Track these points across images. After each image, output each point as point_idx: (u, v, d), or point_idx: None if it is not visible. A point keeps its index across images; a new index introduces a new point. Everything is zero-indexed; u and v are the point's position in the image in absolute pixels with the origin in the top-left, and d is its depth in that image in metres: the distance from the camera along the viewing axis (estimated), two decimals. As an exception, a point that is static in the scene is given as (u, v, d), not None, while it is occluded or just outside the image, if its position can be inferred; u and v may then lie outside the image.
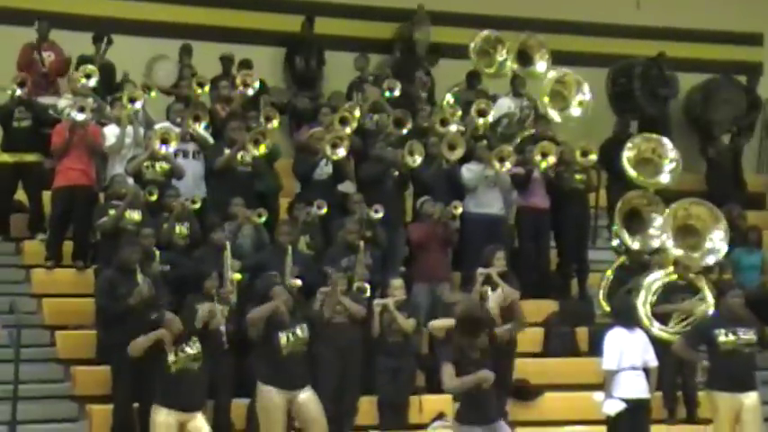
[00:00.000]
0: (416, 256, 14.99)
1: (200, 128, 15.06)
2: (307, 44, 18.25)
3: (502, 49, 17.47)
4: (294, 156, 15.83)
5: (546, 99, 16.58)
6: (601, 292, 15.01)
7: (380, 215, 14.61)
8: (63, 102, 15.13)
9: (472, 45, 17.43)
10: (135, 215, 13.63)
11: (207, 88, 15.88)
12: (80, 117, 14.20)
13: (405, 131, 15.72)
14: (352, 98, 17.30)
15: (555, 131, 16.87)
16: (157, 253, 13.29)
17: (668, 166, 15.62)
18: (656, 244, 14.65)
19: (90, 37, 16.45)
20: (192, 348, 11.10)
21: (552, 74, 16.94)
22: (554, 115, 16.71)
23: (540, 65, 17.13)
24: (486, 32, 17.53)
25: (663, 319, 13.67)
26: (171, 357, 10.99)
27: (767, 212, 19.43)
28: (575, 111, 16.86)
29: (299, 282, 13.39)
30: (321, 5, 18.62)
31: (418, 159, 15.08)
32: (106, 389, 12.75)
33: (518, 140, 16.71)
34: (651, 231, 14.76)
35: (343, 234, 14.31)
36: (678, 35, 20.03)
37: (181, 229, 13.77)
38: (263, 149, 14.61)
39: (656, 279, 13.96)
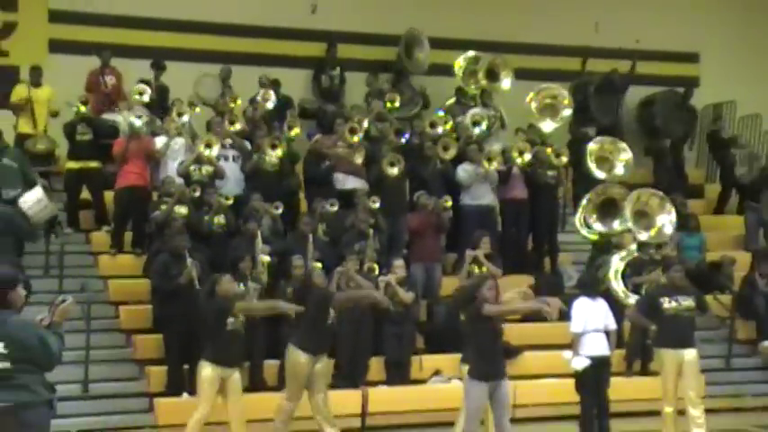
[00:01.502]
0: (413, 241, 15.20)
1: (237, 130, 15.41)
2: (330, 65, 18.30)
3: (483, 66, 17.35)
4: (305, 157, 15.96)
5: (536, 110, 16.50)
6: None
7: (377, 205, 14.82)
8: (120, 117, 15.53)
9: (460, 66, 17.39)
10: (182, 209, 13.96)
11: (239, 102, 16.21)
12: (138, 123, 14.74)
13: (403, 140, 15.91)
14: (369, 105, 17.47)
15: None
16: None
17: (622, 163, 15.66)
18: (618, 227, 14.57)
19: (145, 63, 16.55)
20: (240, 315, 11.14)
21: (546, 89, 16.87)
22: (546, 126, 16.65)
23: (506, 82, 17.17)
24: (471, 53, 17.45)
25: (636, 288, 13.68)
26: (230, 320, 10.97)
27: (705, 201, 19.59)
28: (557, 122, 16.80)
29: (319, 264, 13.54)
30: (341, 34, 18.62)
31: (396, 171, 15.20)
32: (161, 353, 13.09)
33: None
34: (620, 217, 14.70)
35: (355, 223, 14.48)
36: (629, 54, 19.95)
37: (219, 220, 14.01)
38: (279, 152, 14.85)
39: (621, 257, 13.96)
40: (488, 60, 17.17)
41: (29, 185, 13.52)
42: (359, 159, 15.30)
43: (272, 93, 16.33)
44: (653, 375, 13.54)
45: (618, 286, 13.43)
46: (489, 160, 15.61)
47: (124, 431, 12.52)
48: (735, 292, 15.75)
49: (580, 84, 19.06)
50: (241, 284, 12.83)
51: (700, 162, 20.62)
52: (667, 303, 11.68)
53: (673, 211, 14.00)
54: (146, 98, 15.30)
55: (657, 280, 13.37)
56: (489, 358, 9.89)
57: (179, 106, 15.44)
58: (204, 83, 16.68)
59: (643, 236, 13.71)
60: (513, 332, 14.05)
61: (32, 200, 13.10)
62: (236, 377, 11.08)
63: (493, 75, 17.15)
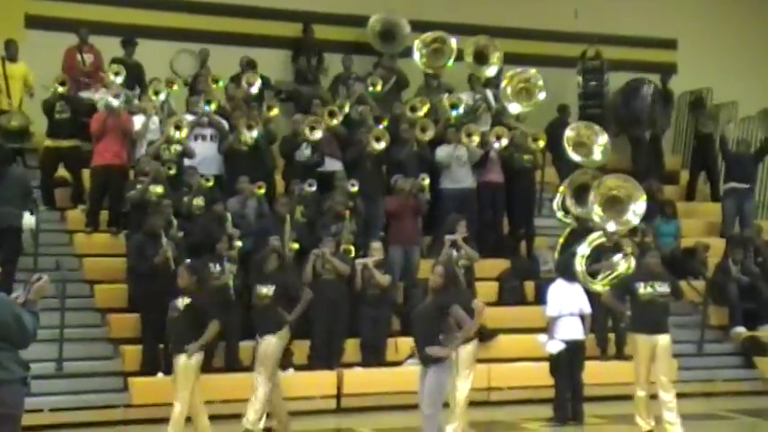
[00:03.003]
0: (391, 224, 15.17)
1: (212, 110, 15.26)
2: (308, 47, 18.21)
3: (449, 47, 17.28)
4: (286, 138, 15.74)
5: (510, 93, 16.50)
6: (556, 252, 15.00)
7: (356, 188, 14.79)
8: (98, 95, 15.34)
9: (418, 45, 17.18)
10: (158, 188, 13.82)
11: (221, 84, 16.09)
12: (115, 103, 14.53)
13: (383, 126, 15.79)
14: (337, 90, 17.37)
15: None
16: (175, 221, 13.44)
17: (599, 148, 15.67)
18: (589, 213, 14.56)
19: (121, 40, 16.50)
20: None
21: (518, 73, 16.85)
22: (515, 108, 16.63)
23: (491, 69, 17.14)
24: (431, 33, 17.24)
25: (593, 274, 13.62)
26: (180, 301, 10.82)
27: (681, 187, 19.63)
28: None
29: (296, 245, 13.63)
30: (319, 15, 18.55)
31: (383, 144, 15.15)
32: (136, 332, 13.09)
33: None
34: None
35: (332, 205, 14.46)
36: (608, 40, 19.99)
37: (198, 201, 13.92)
38: (255, 133, 14.78)
39: (590, 242, 13.95)
40: (478, 43, 17.19)
41: None
42: (315, 137, 15.06)
43: (258, 77, 16.22)
44: (627, 360, 13.62)
45: (581, 270, 13.37)
46: (469, 135, 15.60)
47: (98, 410, 12.44)
48: (708, 278, 15.88)
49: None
50: (217, 265, 12.92)
51: (676, 149, 20.69)
52: (643, 289, 11.68)
53: (644, 198, 14.08)
54: (120, 79, 15.05)
55: (611, 266, 13.45)
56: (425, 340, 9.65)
57: (155, 85, 15.29)
58: (181, 59, 16.55)
59: (611, 223, 13.78)
60: (489, 315, 14.00)
61: None
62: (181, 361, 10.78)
63: (482, 57, 17.17)
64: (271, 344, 11.47)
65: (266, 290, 11.77)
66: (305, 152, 15.14)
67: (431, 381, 9.42)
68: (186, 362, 10.46)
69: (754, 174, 18.51)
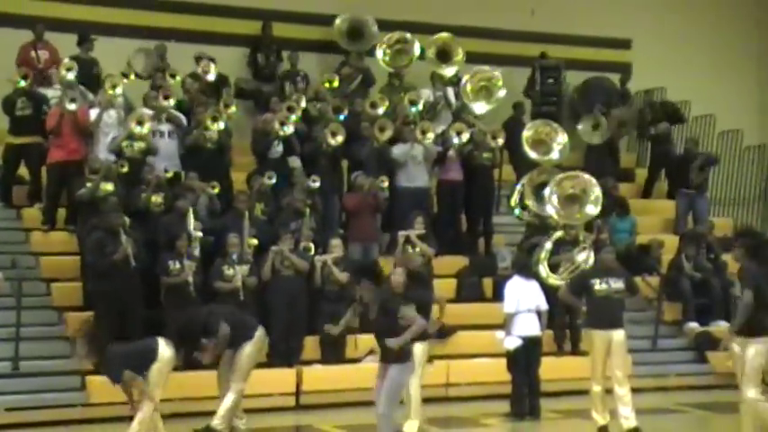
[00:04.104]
0: (351, 221, 15.20)
1: (171, 105, 15.09)
2: (266, 44, 18.12)
3: (413, 47, 17.34)
4: (252, 137, 15.70)
5: (470, 92, 16.56)
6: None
7: (318, 185, 14.78)
8: (52, 92, 15.18)
9: (382, 44, 17.38)
10: (108, 186, 13.64)
11: (178, 79, 15.94)
12: (72, 107, 14.29)
13: (342, 117, 15.80)
14: (283, 86, 17.31)
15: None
16: (127, 220, 13.21)
17: (558, 147, 15.72)
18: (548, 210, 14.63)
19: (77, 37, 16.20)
20: None
21: (478, 72, 16.91)
22: (479, 108, 16.69)
23: (449, 69, 17.19)
24: (395, 33, 17.40)
25: (553, 268, 13.80)
26: None
27: (638, 185, 19.74)
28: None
29: (254, 241, 13.62)
30: (278, 13, 18.40)
31: (340, 139, 15.13)
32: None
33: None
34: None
35: (291, 202, 14.44)
36: (565, 40, 20.15)
37: (156, 198, 13.79)
38: (222, 125, 14.72)
39: (553, 237, 14.05)
40: (442, 39, 17.25)
41: None
42: (285, 132, 15.04)
43: (212, 65, 16.01)
44: (582, 355, 13.56)
45: (543, 267, 13.54)
46: (423, 133, 15.57)
47: (55, 409, 12.31)
48: (662, 274, 15.96)
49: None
50: (177, 262, 12.86)
51: (630, 147, 20.76)
52: (598, 285, 11.63)
53: (599, 196, 14.14)
54: (71, 75, 14.71)
55: (571, 259, 13.50)
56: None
57: (111, 79, 14.90)
58: (138, 57, 16.39)
59: (565, 219, 13.92)
60: (447, 312, 14.05)
61: None
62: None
63: (443, 55, 17.22)
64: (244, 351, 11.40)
65: None
66: (277, 149, 15.11)
67: (391, 378, 9.34)
68: (169, 357, 10.48)
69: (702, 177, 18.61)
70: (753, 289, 10.04)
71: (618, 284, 11.71)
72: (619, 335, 11.62)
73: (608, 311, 11.67)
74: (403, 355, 9.36)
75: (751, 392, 9.99)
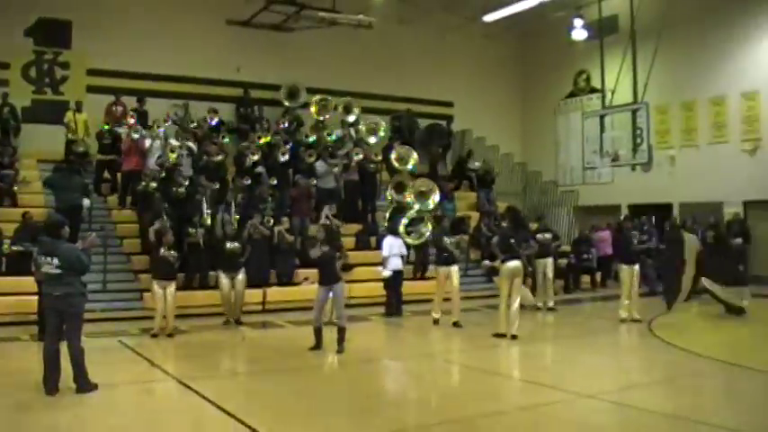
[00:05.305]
0: (294, 205, 15.13)
1: (191, 142, 15.08)
2: (246, 102, 18.09)
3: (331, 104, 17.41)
4: (234, 156, 15.61)
5: (364, 130, 16.75)
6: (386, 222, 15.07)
7: (275, 183, 14.82)
8: (122, 130, 15.00)
9: (312, 101, 17.21)
10: (153, 184, 13.64)
11: (196, 123, 15.95)
12: (135, 136, 14.37)
13: (288, 145, 15.82)
14: (254, 127, 17.21)
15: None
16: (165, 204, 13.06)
17: (412, 161, 15.96)
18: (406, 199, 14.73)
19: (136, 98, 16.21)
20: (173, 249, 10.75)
21: (369, 122, 16.94)
22: (371, 140, 16.82)
23: (351, 117, 17.36)
24: (319, 96, 17.36)
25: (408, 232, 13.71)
26: (162, 250, 10.57)
27: (454, 184, 19.74)
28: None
29: (237, 217, 13.55)
30: (252, 83, 18.29)
31: (287, 157, 15.27)
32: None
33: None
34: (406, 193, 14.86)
35: (260, 193, 14.45)
36: (418, 101, 20.37)
37: (180, 191, 13.67)
38: (222, 157, 14.76)
39: (408, 215, 14.10)
40: (346, 100, 17.39)
41: None
42: (252, 158, 15.03)
43: (216, 116, 16.24)
44: (428, 280, 14.12)
45: (403, 229, 13.27)
46: (335, 162, 15.77)
47: (122, 311, 12.09)
48: (470, 234, 16.01)
49: (393, 119, 19.40)
50: (194, 230, 12.84)
51: (451, 162, 20.87)
52: (446, 239, 11.80)
53: (438, 191, 14.39)
54: (133, 121, 14.78)
55: (419, 229, 13.60)
56: (327, 272, 9.48)
57: (156, 122, 15.00)
58: (172, 110, 16.28)
59: (420, 205, 14.07)
60: (352, 256, 14.28)
61: None
62: (171, 289, 10.53)
63: (348, 109, 17.32)
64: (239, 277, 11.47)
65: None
66: (248, 161, 15.10)
67: (339, 293, 9.38)
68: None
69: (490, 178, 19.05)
70: (499, 237, 10.52)
71: (453, 240, 11.82)
72: (455, 267, 11.74)
73: (449, 255, 11.75)
74: (341, 278, 9.50)
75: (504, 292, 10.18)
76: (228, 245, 11.62)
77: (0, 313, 11.13)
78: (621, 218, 15.46)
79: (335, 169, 15.78)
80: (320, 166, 15.78)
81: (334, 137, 16.71)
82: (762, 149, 17.14)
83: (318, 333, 9.38)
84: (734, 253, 14.65)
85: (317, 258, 9.49)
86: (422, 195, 13.63)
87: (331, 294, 9.50)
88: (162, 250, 10.56)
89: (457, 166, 20.13)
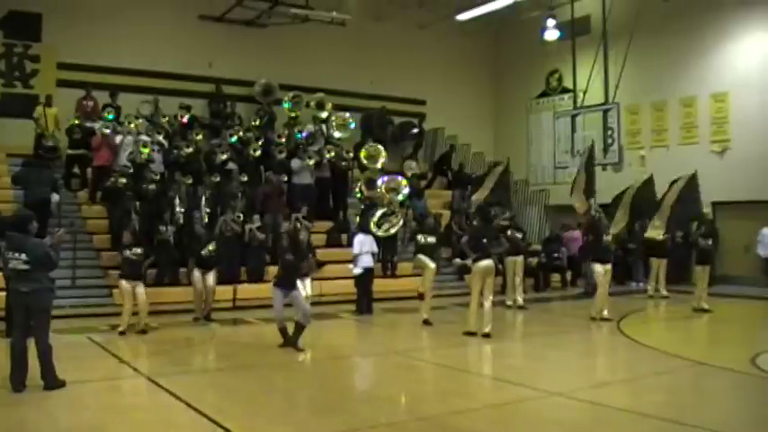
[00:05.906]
0: (266, 202, 15.07)
1: (162, 138, 15.05)
2: (219, 97, 17.97)
3: (303, 101, 17.67)
4: (204, 153, 15.48)
5: (335, 126, 16.84)
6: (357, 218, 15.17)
7: (246, 179, 14.78)
8: (96, 125, 14.92)
9: (285, 98, 17.54)
10: (123, 179, 13.68)
11: (166, 119, 15.91)
12: (106, 131, 14.40)
13: (260, 142, 15.96)
14: (227, 123, 17.02)
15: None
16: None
17: (381, 159, 16.08)
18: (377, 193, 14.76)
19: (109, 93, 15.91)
20: (139, 248, 10.56)
21: (339, 115, 17.10)
22: (339, 134, 16.95)
23: (324, 114, 17.43)
24: (294, 92, 17.70)
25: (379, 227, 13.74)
26: (127, 252, 10.48)
27: (428, 181, 19.88)
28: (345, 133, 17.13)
29: (208, 210, 13.50)
30: (224, 79, 18.20)
31: (258, 153, 15.42)
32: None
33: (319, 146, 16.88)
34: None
35: (231, 189, 14.38)
36: (391, 99, 20.24)
37: (152, 187, 13.67)
38: (191, 150, 14.74)
39: (380, 209, 14.11)
40: (319, 97, 17.48)
41: None
42: (222, 157, 15.12)
43: (187, 113, 16.25)
44: (398, 278, 14.23)
45: (374, 226, 13.49)
46: (309, 158, 15.80)
47: (91, 308, 12.06)
48: (441, 232, 16.01)
49: (365, 116, 19.32)
50: (164, 227, 12.72)
51: (425, 159, 20.98)
52: (423, 239, 11.62)
53: (407, 187, 14.43)
54: (111, 116, 14.85)
55: (390, 223, 13.63)
56: (287, 278, 9.30)
57: (128, 118, 14.98)
58: (143, 105, 16.24)
59: (390, 201, 14.08)
60: (321, 254, 14.39)
61: None
62: (139, 289, 10.48)
63: (320, 105, 17.49)
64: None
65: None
66: (219, 159, 15.11)
67: (296, 296, 9.23)
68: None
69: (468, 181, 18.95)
70: (470, 236, 10.47)
71: (431, 238, 11.63)
72: (433, 264, 11.56)
73: (429, 251, 11.53)
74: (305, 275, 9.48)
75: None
76: (204, 252, 11.54)
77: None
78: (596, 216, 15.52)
79: (311, 162, 15.79)
80: (295, 162, 15.78)
81: (305, 133, 16.81)
82: (730, 151, 17.49)
83: (284, 333, 9.37)
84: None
85: (281, 263, 9.44)
86: (392, 191, 13.74)
87: (287, 299, 9.33)
88: (126, 252, 10.46)
89: (438, 162, 20.18)
